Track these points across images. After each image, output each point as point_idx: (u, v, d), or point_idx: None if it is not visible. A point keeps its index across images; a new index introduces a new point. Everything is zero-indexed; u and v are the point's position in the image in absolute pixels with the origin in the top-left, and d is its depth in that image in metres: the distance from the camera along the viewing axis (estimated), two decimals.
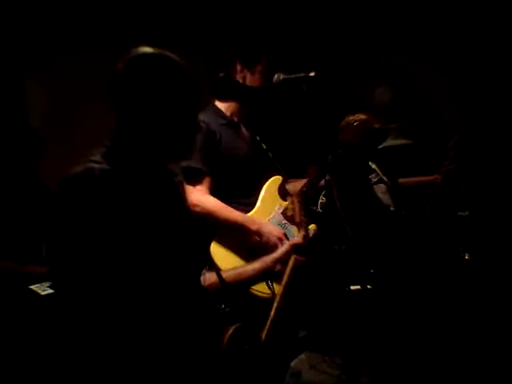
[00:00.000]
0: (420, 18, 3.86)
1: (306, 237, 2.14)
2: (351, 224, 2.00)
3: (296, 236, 2.23)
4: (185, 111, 1.44)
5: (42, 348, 2.45)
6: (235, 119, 2.61)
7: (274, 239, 2.40)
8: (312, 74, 2.12)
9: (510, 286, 2.81)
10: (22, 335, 2.58)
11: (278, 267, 1.99)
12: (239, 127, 2.63)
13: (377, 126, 2.87)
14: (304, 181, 2.59)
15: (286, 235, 2.44)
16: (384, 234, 2.79)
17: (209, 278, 1.75)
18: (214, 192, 2.41)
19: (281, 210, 2.60)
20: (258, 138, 2.64)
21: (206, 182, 2.41)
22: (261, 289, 2.16)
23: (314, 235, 2.57)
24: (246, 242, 2.43)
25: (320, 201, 2.96)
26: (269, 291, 2.10)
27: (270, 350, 1.75)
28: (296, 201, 2.52)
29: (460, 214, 3.00)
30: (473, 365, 2.57)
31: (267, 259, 1.98)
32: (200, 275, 1.70)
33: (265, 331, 1.77)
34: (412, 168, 2.90)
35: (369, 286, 2.30)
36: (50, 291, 2.64)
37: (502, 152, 3.57)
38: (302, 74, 2.16)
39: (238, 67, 2.52)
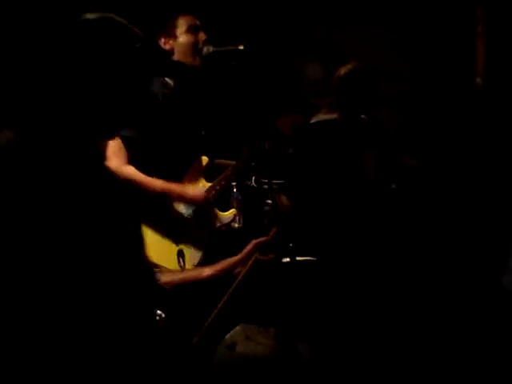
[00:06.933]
0: None
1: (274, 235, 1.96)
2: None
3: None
4: (133, 78, 1.35)
5: None
6: (177, 93, 2.54)
7: (199, 199, 2.39)
8: (241, 47, 2.09)
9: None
10: None
11: (238, 270, 1.85)
12: (181, 101, 2.56)
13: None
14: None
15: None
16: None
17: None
18: (138, 167, 2.35)
19: (203, 191, 2.55)
20: (190, 115, 2.59)
21: (128, 152, 2.33)
22: (167, 264, 2.14)
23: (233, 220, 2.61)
24: (167, 222, 2.39)
25: (253, 177, 2.98)
26: (176, 265, 2.07)
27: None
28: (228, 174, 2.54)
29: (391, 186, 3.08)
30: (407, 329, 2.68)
31: (224, 264, 1.82)
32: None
33: (199, 334, 1.67)
34: (341, 143, 2.95)
35: (298, 258, 2.34)
36: None
37: (442, 124, 3.66)
38: (230, 47, 2.13)
39: (162, 40, 2.45)
